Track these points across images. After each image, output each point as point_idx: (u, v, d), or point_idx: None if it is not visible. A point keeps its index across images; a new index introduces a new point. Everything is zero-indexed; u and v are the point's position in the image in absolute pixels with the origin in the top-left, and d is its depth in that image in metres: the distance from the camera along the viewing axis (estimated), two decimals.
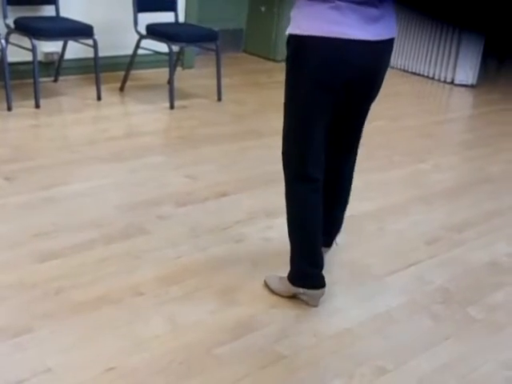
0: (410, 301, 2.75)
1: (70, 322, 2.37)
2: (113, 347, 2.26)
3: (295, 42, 2.39)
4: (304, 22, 2.34)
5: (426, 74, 6.73)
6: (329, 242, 2.89)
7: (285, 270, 2.63)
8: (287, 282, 2.63)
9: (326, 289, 2.61)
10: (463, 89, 6.50)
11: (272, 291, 2.68)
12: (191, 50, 5.86)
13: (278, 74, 6.24)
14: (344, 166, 2.75)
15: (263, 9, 6.69)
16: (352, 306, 2.68)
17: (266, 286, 2.72)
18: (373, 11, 2.33)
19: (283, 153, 2.58)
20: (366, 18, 2.33)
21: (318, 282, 2.60)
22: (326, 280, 2.61)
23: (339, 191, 2.79)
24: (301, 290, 2.61)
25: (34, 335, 2.27)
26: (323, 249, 2.70)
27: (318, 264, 2.60)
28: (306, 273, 2.60)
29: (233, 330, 2.43)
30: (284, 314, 2.56)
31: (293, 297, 2.63)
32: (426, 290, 2.85)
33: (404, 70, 6.87)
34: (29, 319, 2.35)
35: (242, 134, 4.50)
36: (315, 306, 2.62)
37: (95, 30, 4.64)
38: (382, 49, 2.44)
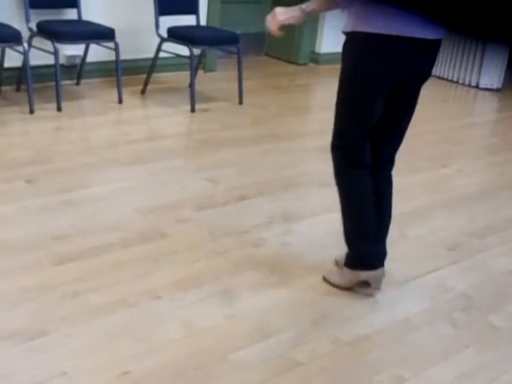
0: (431, 308, 2.71)
1: (86, 325, 2.36)
2: (128, 351, 2.25)
3: (362, 39, 2.38)
4: (373, 19, 2.33)
5: (450, 78, 6.66)
6: None
7: (302, 274, 2.59)
8: (347, 271, 2.67)
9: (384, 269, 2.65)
10: (488, 93, 6.42)
11: (333, 285, 2.72)
12: (213, 53, 5.85)
13: (299, 78, 6.23)
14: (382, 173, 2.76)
15: None
16: (371, 312, 2.64)
17: (326, 280, 2.75)
18: None
19: (336, 145, 2.59)
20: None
21: (379, 262, 2.65)
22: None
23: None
24: (362, 275, 2.64)
25: (49, 338, 2.26)
26: None
27: (377, 243, 2.64)
28: (368, 253, 2.64)
29: (249, 335, 2.41)
30: (301, 319, 2.53)
31: (349, 289, 2.68)
32: (447, 296, 2.80)
33: None
34: (45, 322, 2.34)
35: (263, 138, 4.48)
36: (378, 288, 2.68)
37: (117, 33, 4.64)
38: (437, 48, 2.48)
